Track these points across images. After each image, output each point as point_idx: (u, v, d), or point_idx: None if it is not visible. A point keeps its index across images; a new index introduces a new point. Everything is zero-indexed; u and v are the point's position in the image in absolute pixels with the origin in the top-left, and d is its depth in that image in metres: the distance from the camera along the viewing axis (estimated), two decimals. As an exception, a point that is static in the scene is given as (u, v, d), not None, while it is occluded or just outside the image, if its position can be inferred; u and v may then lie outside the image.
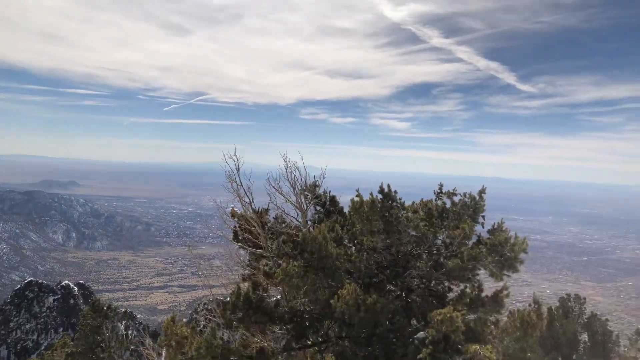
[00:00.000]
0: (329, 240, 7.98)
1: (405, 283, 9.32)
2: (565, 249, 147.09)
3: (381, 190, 8.72)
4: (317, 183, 10.50)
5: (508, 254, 8.16)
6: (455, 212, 9.29)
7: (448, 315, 6.77)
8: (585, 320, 25.15)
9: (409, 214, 8.83)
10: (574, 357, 25.15)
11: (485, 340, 7.95)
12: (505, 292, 8.69)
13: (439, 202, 9.61)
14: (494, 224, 9.15)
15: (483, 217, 9.47)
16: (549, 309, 26.26)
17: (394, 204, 8.67)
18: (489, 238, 8.79)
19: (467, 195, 9.26)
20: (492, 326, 8.75)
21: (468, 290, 8.97)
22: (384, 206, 8.47)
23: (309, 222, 10.16)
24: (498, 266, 8.27)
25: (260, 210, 11.00)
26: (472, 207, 9.18)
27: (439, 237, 9.31)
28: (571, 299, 25.99)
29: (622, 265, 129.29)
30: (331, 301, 7.46)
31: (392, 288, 9.49)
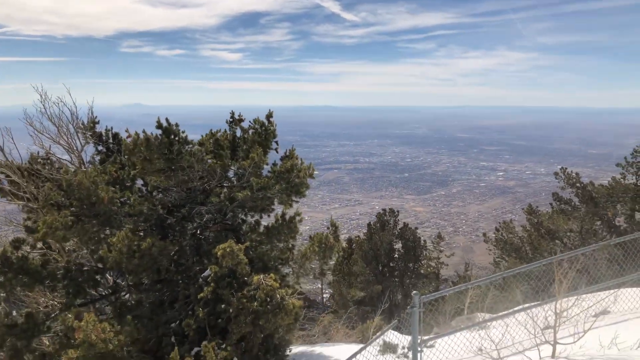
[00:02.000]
0: (98, 183, 7.04)
1: (202, 220, 8.86)
2: (390, 168, 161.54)
3: (159, 126, 7.89)
4: (96, 119, 9.28)
5: (295, 180, 8.06)
6: (247, 140, 8.91)
7: (228, 249, 6.46)
8: (399, 231, 27.97)
9: (194, 148, 8.20)
10: (391, 264, 28.08)
11: (276, 267, 7.94)
12: (298, 218, 8.71)
13: (230, 132, 9.14)
14: (287, 151, 8.96)
15: (276, 142, 9.21)
16: (369, 224, 28.64)
17: (176, 138, 7.94)
18: (280, 166, 8.61)
19: (257, 122, 8.89)
20: (289, 252, 8.81)
21: (263, 220, 8.85)
22: (162, 143, 7.69)
23: (88, 165, 9.01)
24: (286, 193, 8.17)
25: (32, 156, 9.52)
26: (263, 133, 8.86)
27: (232, 169, 8.90)
28: (386, 213, 28.51)
29: (436, 177, 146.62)
30: (100, 251, 6.69)
31: (190, 227, 8.98)
